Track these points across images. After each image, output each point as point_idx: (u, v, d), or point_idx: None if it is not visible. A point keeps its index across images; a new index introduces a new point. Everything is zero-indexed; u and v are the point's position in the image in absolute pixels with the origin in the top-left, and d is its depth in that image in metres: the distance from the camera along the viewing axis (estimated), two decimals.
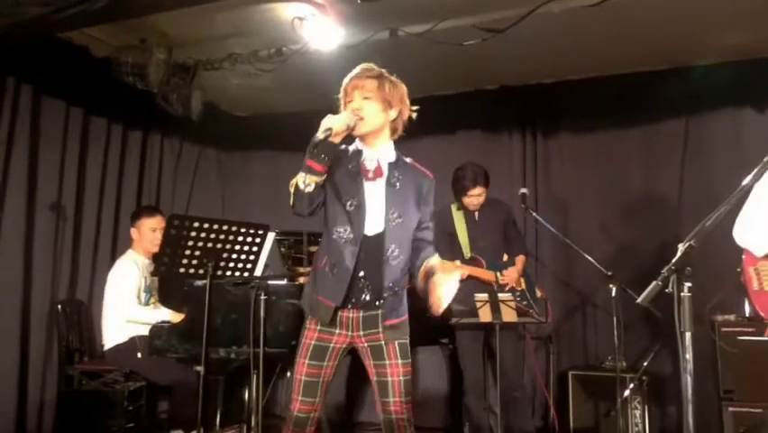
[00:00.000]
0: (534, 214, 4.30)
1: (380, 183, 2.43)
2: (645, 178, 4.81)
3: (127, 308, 4.00)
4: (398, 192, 2.43)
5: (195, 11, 3.64)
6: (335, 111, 2.53)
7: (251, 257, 3.15)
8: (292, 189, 2.33)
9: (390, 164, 2.46)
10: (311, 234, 4.15)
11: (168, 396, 4.14)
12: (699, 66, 4.49)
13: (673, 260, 1.64)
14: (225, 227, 3.02)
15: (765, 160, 1.83)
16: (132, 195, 5.02)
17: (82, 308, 4.43)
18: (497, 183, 5.14)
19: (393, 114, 2.44)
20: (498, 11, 3.68)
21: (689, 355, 1.60)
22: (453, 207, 4.14)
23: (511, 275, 4.01)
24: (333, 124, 2.27)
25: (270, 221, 3.42)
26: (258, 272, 3.30)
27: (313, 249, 4.20)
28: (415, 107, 2.51)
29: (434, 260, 2.47)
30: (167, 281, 4.14)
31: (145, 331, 3.79)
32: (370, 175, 2.43)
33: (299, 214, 2.33)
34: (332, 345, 2.44)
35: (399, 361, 2.43)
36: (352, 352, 2.54)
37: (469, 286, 3.85)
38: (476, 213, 4.09)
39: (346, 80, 2.45)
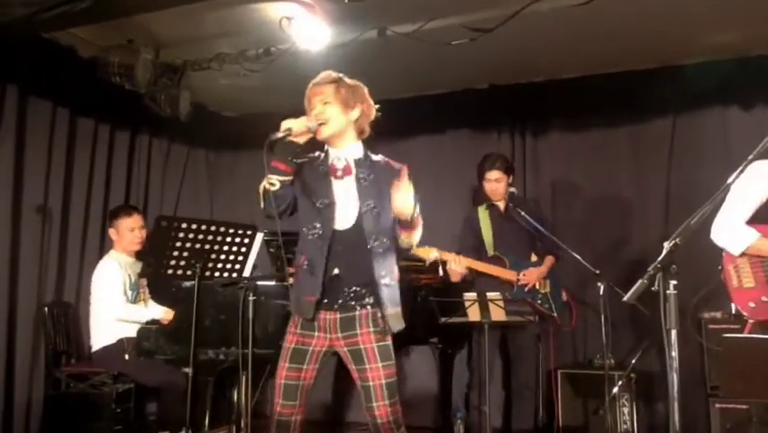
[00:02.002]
0: (522, 213, 4.30)
1: (350, 180, 2.48)
2: (633, 176, 4.84)
3: (117, 307, 3.97)
4: (368, 187, 2.46)
5: (182, 11, 3.62)
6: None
7: (240, 258, 3.14)
8: (261, 192, 2.43)
9: (357, 161, 2.50)
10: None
11: (156, 398, 4.12)
12: (686, 65, 4.51)
13: (659, 258, 1.65)
14: (213, 228, 3.01)
15: (749, 158, 1.84)
16: (120, 196, 4.99)
17: (69, 310, 4.40)
18: None
19: (354, 114, 2.48)
20: (487, 10, 3.68)
21: (675, 353, 1.61)
22: (480, 208, 4.21)
23: (531, 276, 3.99)
24: (292, 125, 2.37)
25: (259, 221, 3.41)
26: (246, 273, 3.29)
27: None
28: (377, 106, 2.55)
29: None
30: (158, 281, 4.12)
31: (133, 333, 3.77)
32: (339, 174, 2.48)
33: (270, 215, 2.44)
34: (311, 348, 2.44)
35: (380, 364, 2.39)
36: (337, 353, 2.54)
37: (488, 285, 3.87)
38: (503, 209, 4.14)
39: (307, 90, 2.53)
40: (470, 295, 3.61)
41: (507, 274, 3.97)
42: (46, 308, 4.19)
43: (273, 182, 2.39)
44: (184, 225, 2.94)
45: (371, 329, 2.41)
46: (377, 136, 2.57)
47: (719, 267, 2.87)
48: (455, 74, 4.86)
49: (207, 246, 3.01)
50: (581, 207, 4.93)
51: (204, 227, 2.99)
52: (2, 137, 4.07)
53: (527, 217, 4.02)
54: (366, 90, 2.54)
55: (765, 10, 3.69)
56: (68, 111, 4.54)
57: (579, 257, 3.90)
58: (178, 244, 2.94)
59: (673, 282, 1.62)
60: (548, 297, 4.01)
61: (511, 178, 4.16)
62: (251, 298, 3.19)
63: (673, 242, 1.64)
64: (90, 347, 4.09)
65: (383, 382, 2.38)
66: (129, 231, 4.13)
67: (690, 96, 4.60)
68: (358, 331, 2.41)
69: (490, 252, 4.07)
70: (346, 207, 2.44)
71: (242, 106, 5.67)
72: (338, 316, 2.42)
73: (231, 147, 6.00)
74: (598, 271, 3.80)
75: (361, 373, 2.41)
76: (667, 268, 1.61)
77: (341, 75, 2.52)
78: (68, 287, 4.50)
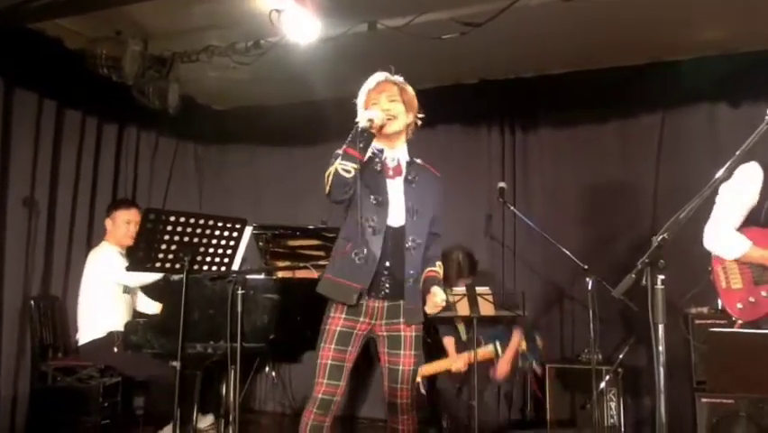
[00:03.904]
0: (512, 208, 4.31)
1: (399, 181, 2.63)
2: (622, 171, 4.85)
3: (122, 275, 3.93)
4: (415, 189, 2.63)
5: (171, 2, 3.59)
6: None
7: (229, 251, 3.13)
8: (329, 177, 2.47)
9: (407, 162, 2.67)
10: (296, 228, 4.14)
11: (144, 392, 4.10)
12: (675, 61, 4.53)
13: (647, 253, 1.66)
14: (202, 221, 3.00)
15: (737, 153, 1.85)
16: (108, 189, 4.96)
17: (56, 303, 4.37)
18: (475, 177, 5.18)
19: (410, 118, 2.66)
20: (477, 4, 3.68)
21: (662, 347, 1.62)
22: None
23: (503, 370, 4.01)
24: (373, 116, 2.47)
25: (248, 215, 3.40)
26: (235, 267, 3.27)
27: (293, 243, 4.20)
28: (420, 115, 2.72)
29: (432, 274, 2.70)
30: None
31: (121, 326, 3.76)
32: (391, 173, 2.63)
33: (336, 200, 2.52)
34: (355, 331, 2.58)
35: (413, 352, 2.64)
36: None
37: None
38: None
39: (370, 85, 2.65)
40: (459, 290, 3.62)
41: (487, 354, 3.98)
42: (32, 302, 4.16)
43: (348, 169, 2.43)
44: (172, 219, 2.93)
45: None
46: None
47: (709, 268, 2.89)
48: (445, 68, 4.85)
49: (196, 240, 3.00)
50: (570, 202, 4.94)
51: (192, 220, 2.97)
52: None
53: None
54: None
55: (754, 6, 3.71)
56: (54, 103, 4.49)
57: (567, 252, 3.91)
58: (167, 237, 2.92)
59: (661, 277, 1.62)
60: (527, 354, 4.07)
61: None
62: (239, 291, 3.18)
63: (661, 237, 1.64)
64: (77, 341, 4.07)
65: (411, 368, 2.64)
66: (125, 223, 4.14)
67: (679, 93, 4.61)
68: (401, 320, 2.62)
69: (463, 336, 4.12)
70: (397, 205, 2.59)
71: (231, 99, 5.64)
72: (385, 304, 2.60)
73: (219, 140, 5.97)
74: (586, 267, 3.81)
75: (394, 357, 2.63)
76: (655, 263, 1.62)
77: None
78: (54, 280, 4.47)
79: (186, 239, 2.96)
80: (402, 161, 2.67)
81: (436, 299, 2.57)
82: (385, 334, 2.64)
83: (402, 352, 2.62)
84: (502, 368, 4.01)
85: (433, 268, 2.71)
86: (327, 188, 2.50)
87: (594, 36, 4.21)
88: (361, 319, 2.58)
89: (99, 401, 3.83)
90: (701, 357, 3.81)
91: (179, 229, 2.93)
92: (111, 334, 3.89)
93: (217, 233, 3.05)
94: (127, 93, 4.41)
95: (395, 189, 2.62)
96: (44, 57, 4.17)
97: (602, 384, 4.08)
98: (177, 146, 5.70)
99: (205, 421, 4.13)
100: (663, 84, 4.58)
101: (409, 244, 2.58)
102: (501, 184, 4.25)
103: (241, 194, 5.73)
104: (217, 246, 3.08)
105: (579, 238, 4.71)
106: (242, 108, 5.72)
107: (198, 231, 2.99)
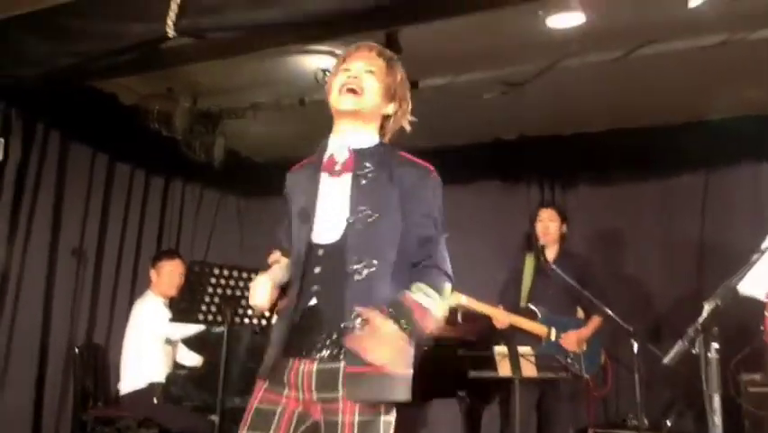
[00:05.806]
0: (553, 266, 4.25)
1: (346, 178, 1.77)
2: (665, 231, 4.78)
3: (164, 326, 3.92)
4: (367, 186, 1.73)
5: (221, 61, 3.73)
6: None
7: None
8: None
9: (363, 150, 1.79)
10: None
11: None
12: (717, 120, 4.50)
13: (699, 319, 1.61)
14: (245, 274, 3.04)
15: None
16: (153, 240, 5.08)
17: (99, 351, 4.43)
18: (514, 234, 5.14)
19: (389, 108, 1.84)
20: (518, 64, 3.74)
21: (717, 418, 1.56)
22: (528, 257, 4.15)
23: (570, 341, 3.84)
24: (258, 302, 1.75)
25: None
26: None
27: None
28: (412, 118, 1.90)
29: (402, 300, 1.63)
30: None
31: (163, 377, 3.78)
32: (337, 168, 1.79)
33: None
34: (279, 408, 1.66)
35: None
36: None
37: (517, 337, 3.78)
38: (551, 262, 3.99)
39: (350, 48, 1.88)
40: (500, 349, 3.54)
41: (533, 328, 3.88)
42: (77, 350, 4.22)
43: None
44: (216, 271, 2.98)
45: None
46: None
47: (761, 328, 2.79)
48: (485, 125, 4.89)
49: (238, 292, 3.03)
50: (612, 261, 4.86)
51: (236, 273, 3.02)
52: (43, 181, 4.19)
53: (562, 275, 3.89)
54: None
55: None
56: (106, 157, 4.67)
57: (611, 313, 3.82)
58: (210, 289, 2.97)
59: (715, 346, 1.57)
60: (580, 357, 3.85)
61: (565, 226, 4.13)
62: None
63: (714, 303, 1.60)
64: (118, 390, 4.10)
65: None
66: (168, 273, 4.19)
67: (723, 152, 4.57)
68: (339, 393, 1.60)
69: (522, 303, 4.00)
70: (334, 214, 1.73)
71: (274, 153, 5.75)
72: (315, 367, 1.63)
73: (262, 193, 6.07)
74: (631, 328, 3.70)
75: None
76: (708, 330, 1.57)
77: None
78: (98, 329, 4.55)
79: (228, 292, 3.01)
80: (356, 152, 1.79)
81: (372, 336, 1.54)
82: (322, 418, 1.62)
83: None
84: (571, 340, 3.84)
85: (410, 293, 1.63)
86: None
87: (634, 95, 4.22)
88: (285, 392, 1.66)
89: None
90: (754, 425, 3.64)
91: (222, 282, 2.98)
92: (152, 385, 3.91)
93: None
94: (174, 147, 4.55)
95: (336, 191, 1.75)
96: (99, 112, 4.35)
97: None
98: (219, 199, 5.83)
99: None
100: (706, 143, 4.54)
101: (349, 269, 1.64)
102: (541, 242, 4.20)
103: None
104: None
105: (621, 297, 4.60)
106: (284, 160, 5.79)
107: (241, 284, 3.04)
